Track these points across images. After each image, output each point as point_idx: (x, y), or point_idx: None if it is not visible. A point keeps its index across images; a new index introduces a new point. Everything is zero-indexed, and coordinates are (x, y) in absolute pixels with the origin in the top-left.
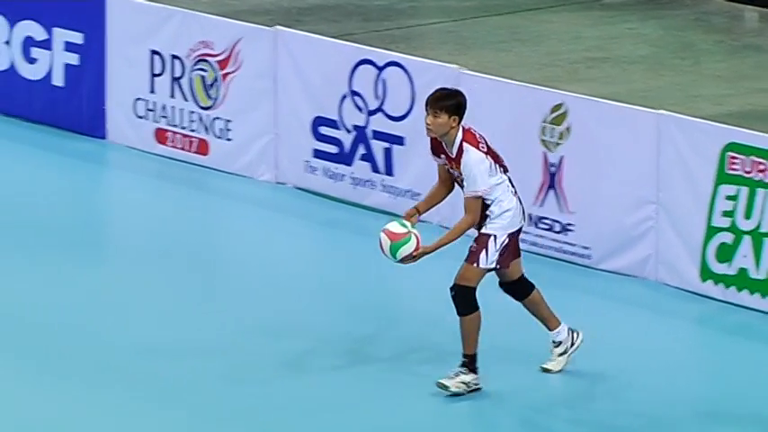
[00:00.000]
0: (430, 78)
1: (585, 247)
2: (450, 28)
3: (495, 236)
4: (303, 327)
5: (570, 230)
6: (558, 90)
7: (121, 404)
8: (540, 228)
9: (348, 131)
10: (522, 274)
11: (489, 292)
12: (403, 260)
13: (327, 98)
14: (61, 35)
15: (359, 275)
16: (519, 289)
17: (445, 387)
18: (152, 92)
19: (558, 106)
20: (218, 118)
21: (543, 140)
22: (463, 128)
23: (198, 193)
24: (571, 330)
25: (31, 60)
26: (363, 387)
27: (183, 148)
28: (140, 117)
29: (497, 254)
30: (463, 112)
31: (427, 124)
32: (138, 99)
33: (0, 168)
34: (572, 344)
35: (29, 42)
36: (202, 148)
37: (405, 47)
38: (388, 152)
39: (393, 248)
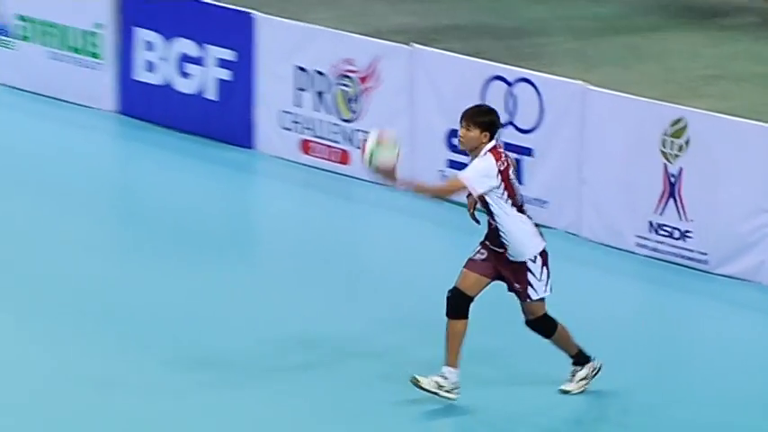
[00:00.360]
0: (557, 94)
1: (703, 253)
2: (576, 47)
3: (527, 263)
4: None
5: (689, 237)
6: (677, 105)
7: (269, 394)
8: (660, 234)
9: None
10: (472, 299)
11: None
12: (378, 170)
13: (461, 112)
14: (214, 52)
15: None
16: (459, 307)
17: (568, 392)
18: (298, 105)
19: (677, 120)
20: (358, 130)
21: (663, 152)
22: (494, 145)
23: (340, 200)
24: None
25: (186, 75)
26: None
27: (326, 158)
28: (287, 129)
29: (542, 281)
30: (495, 131)
31: (460, 136)
32: (285, 112)
33: (157, 176)
34: (447, 390)
35: (184, 59)
36: (344, 158)
37: (534, 64)
38: (518, 162)
39: (375, 148)
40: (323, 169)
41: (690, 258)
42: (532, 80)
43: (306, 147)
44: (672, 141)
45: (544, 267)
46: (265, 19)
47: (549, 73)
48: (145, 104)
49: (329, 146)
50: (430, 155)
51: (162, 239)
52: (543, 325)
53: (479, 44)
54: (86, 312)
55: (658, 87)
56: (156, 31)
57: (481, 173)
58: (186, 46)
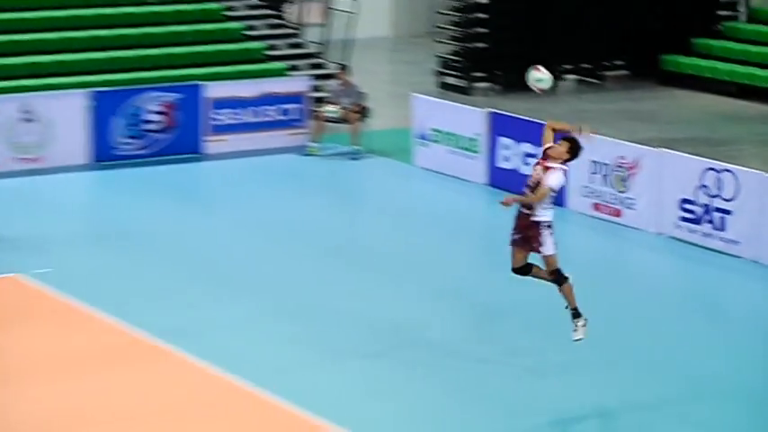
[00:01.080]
0: (747, 179)
1: None
2: (759, 150)
3: (540, 228)
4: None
5: None
6: None
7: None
8: None
9: (700, 206)
10: (528, 266)
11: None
12: (533, 69)
13: (687, 188)
14: (535, 150)
15: (704, 294)
16: (526, 273)
17: (580, 339)
18: (591, 182)
19: None
20: (627, 197)
21: None
22: (566, 168)
23: (614, 239)
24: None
25: (527, 164)
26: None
27: (607, 214)
28: (585, 196)
29: (550, 244)
30: (573, 158)
31: (552, 146)
32: (584, 186)
33: (508, 221)
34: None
35: (526, 155)
36: (617, 213)
37: (733, 161)
38: (722, 219)
39: (537, 69)
40: (605, 220)
41: None
42: (732, 170)
43: (596, 206)
44: None
45: (550, 235)
46: None
47: (742, 166)
48: (504, 180)
49: (609, 206)
50: (667, 212)
51: (496, 254)
52: (556, 275)
53: (698, 148)
54: (454, 291)
55: None
56: (510, 138)
57: (559, 184)
58: (527, 147)
